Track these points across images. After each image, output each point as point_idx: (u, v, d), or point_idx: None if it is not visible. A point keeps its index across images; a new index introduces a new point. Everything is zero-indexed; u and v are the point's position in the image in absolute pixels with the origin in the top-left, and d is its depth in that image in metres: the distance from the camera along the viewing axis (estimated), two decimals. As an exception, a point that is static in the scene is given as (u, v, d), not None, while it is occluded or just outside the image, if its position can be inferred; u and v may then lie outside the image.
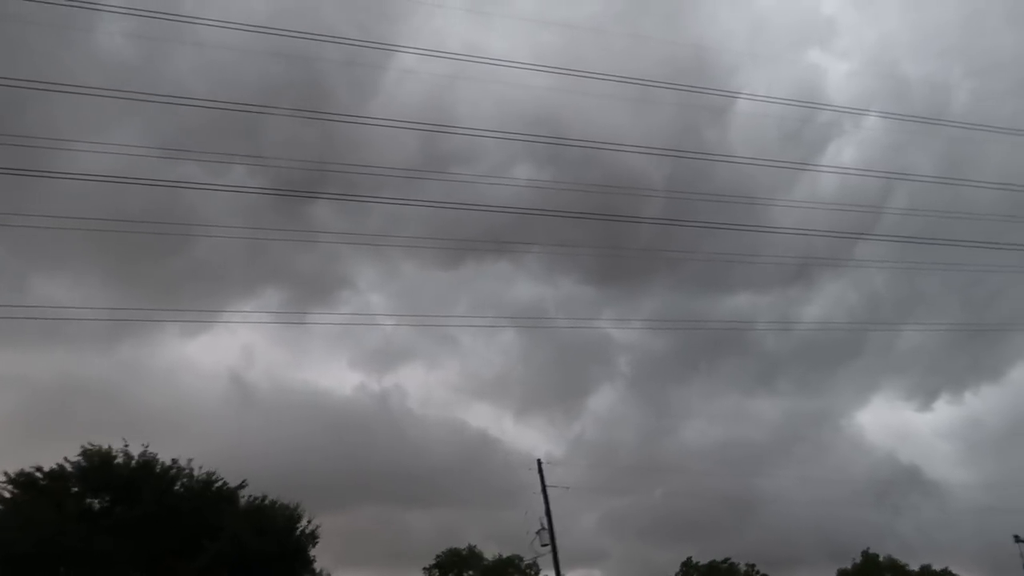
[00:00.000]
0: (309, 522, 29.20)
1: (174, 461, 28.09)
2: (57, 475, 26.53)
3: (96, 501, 26.77)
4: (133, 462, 27.42)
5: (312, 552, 29.42)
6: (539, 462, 32.64)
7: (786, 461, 61.09)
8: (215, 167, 27.92)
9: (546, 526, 31.47)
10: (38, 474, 26.30)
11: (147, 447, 27.73)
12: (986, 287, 53.91)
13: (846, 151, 56.19)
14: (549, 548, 31.32)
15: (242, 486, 29.25)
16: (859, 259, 45.60)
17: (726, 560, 48.60)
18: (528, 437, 67.58)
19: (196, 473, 28.41)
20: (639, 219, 33.47)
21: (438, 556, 44.90)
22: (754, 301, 60.16)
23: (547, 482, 32.22)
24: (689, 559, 48.95)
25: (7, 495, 25.82)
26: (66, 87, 23.58)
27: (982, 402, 68.38)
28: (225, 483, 28.84)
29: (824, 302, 61.39)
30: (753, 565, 48.62)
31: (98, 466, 26.82)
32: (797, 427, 67.28)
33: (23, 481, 26.08)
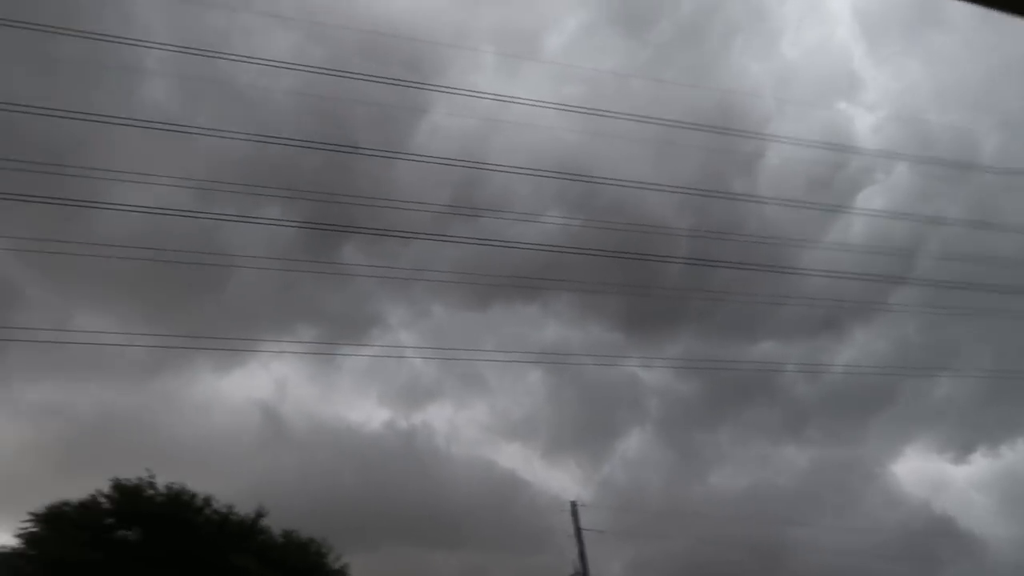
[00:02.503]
0: (339, 558, 28.72)
1: (194, 496, 27.86)
2: (89, 506, 26.42)
3: (128, 533, 26.53)
4: (162, 496, 27.24)
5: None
6: (573, 504, 31.95)
7: (815, 510, 59.25)
8: (250, 205, 28.51)
9: (580, 570, 30.61)
10: (66, 508, 26.17)
11: (179, 484, 27.64)
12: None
13: (876, 199, 55.69)
14: (583, 593, 30.41)
15: (260, 515, 28.75)
16: (892, 305, 44.81)
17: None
18: (556, 479, 66.36)
19: (217, 507, 28.14)
20: (668, 259, 33.49)
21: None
22: (782, 350, 59.34)
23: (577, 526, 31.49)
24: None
25: (37, 531, 25.63)
26: (106, 118, 24.14)
27: (1018, 455, 66.15)
28: (244, 518, 28.47)
29: (854, 352, 60.28)
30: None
31: (129, 498, 26.65)
32: (827, 475, 65.50)
33: (52, 515, 25.95)
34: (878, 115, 66.11)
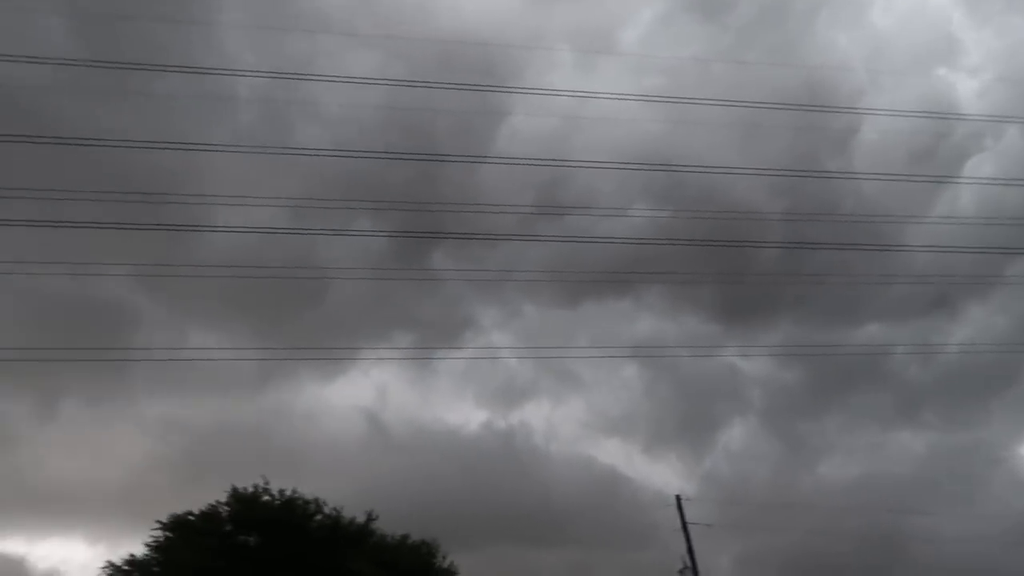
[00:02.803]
0: (445, 557, 29.23)
1: (315, 500, 28.97)
2: (209, 515, 27.84)
3: (248, 539, 27.78)
4: (277, 501, 28.42)
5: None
6: (678, 498, 31.42)
7: (935, 497, 55.99)
8: (343, 219, 29.45)
9: (689, 564, 30.11)
10: (190, 517, 27.71)
11: (291, 490, 28.83)
12: None
13: (985, 167, 52.29)
14: (693, 589, 29.88)
15: (372, 519, 29.54)
16: (1009, 277, 42.02)
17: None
18: (658, 473, 65.42)
19: (327, 511, 29.10)
20: (761, 243, 32.49)
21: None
22: (890, 332, 56.45)
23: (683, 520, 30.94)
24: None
25: (165, 537, 27.22)
26: (205, 147, 25.43)
27: None
28: (354, 519, 29.32)
29: (970, 330, 56.69)
30: (915, 609, 44.57)
31: (246, 505, 27.93)
32: (946, 461, 61.80)
33: (177, 524, 27.51)
34: (982, 79, 62.31)
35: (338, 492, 29.85)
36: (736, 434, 66.59)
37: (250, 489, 28.33)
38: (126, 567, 26.82)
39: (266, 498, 28.37)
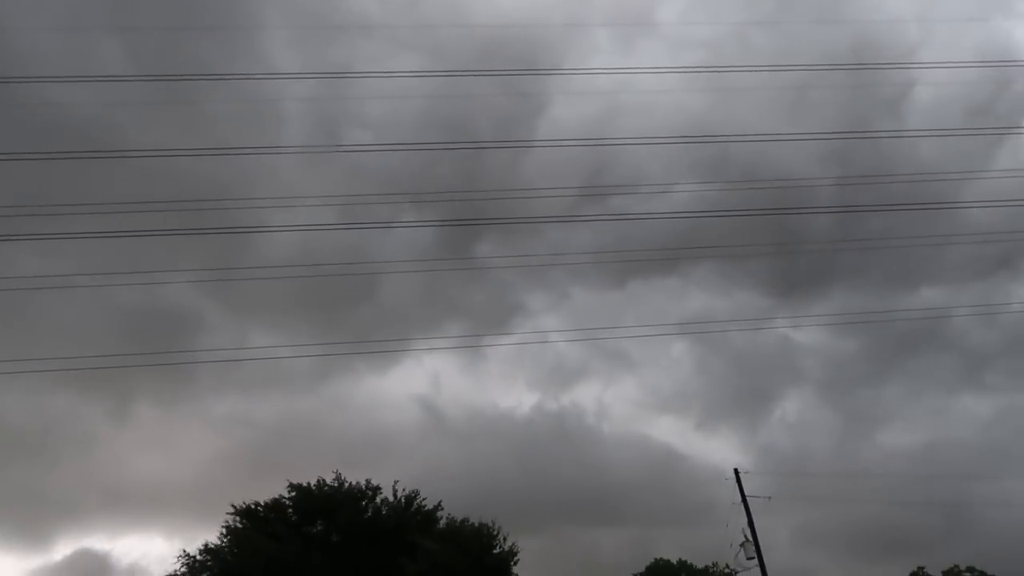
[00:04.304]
0: (505, 539, 29.84)
1: (367, 483, 30.05)
2: (275, 505, 29.00)
3: (311, 528, 28.78)
4: (338, 489, 29.45)
5: (514, 569, 29.91)
6: (736, 471, 31.26)
7: (1006, 461, 54.41)
8: (392, 213, 30.11)
9: (750, 538, 30.02)
10: (257, 507, 28.90)
11: (349, 481, 29.87)
12: None
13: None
14: (755, 561, 29.83)
15: (439, 508, 30.49)
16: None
17: (970, 569, 43.86)
18: (713, 449, 65.23)
19: (399, 494, 30.10)
20: (806, 210, 31.71)
21: (648, 566, 44.13)
22: (950, 295, 54.82)
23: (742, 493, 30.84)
24: (920, 569, 44.78)
25: (238, 525, 28.41)
26: (254, 151, 26.22)
27: None
28: (424, 503, 30.28)
29: (1033, 289, 54.66)
30: (994, 576, 43.58)
31: (309, 494, 28.99)
32: (1015, 423, 59.91)
33: (247, 512, 28.74)
34: (1040, 24, 59.52)
35: (400, 479, 30.78)
36: (791, 406, 65.89)
37: (312, 483, 29.44)
38: (201, 556, 27.74)
39: (326, 487, 29.39)
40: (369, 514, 29.16)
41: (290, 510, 29.01)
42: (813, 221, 34.41)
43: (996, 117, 47.90)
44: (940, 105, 45.50)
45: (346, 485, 29.70)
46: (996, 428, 59.22)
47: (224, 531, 28.22)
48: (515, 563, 29.65)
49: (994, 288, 54.57)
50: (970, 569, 43.77)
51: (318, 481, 29.63)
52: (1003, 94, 46.88)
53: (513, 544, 29.67)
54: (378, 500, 29.72)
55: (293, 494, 29.14)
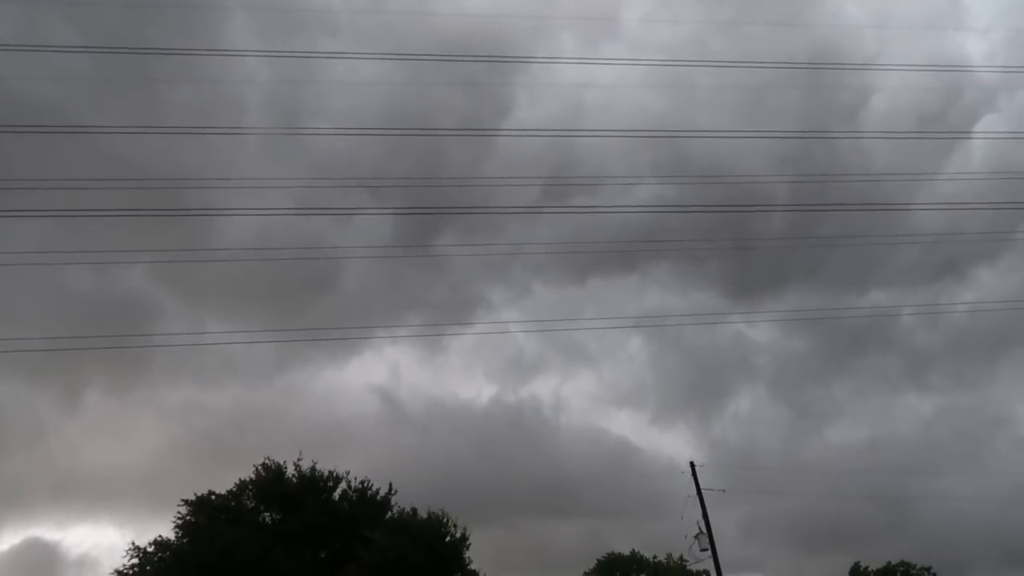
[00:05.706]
0: (455, 527, 29.78)
1: (330, 472, 29.84)
2: (235, 493, 28.58)
3: (269, 515, 28.51)
4: (297, 477, 29.17)
5: (467, 555, 29.93)
6: (692, 464, 31.67)
7: (944, 459, 56.44)
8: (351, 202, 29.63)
9: (704, 530, 30.49)
10: (212, 497, 28.39)
11: (315, 463, 29.66)
12: None
13: (999, 127, 51.80)
14: (708, 553, 30.31)
15: (391, 493, 30.40)
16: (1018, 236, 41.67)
17: (901, 564, 45.31)
18: (667, 443, 66.23)
19: (353, 483, 29.97)
20: (758, 207, 32.10)
21: (599, 560, 44.56)
22: (897, 296, 56.52)
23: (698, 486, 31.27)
24: (857, 564, 46.07)
25: (190, 519, 27.71)
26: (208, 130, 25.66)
27: None
28: (377, 491, 30.19)
29: (979, 292, 56.56)
30: (929, 568, 45.06)
31: (270, 481, 28.66)
32: (953, 421, 62.17)
33: (200, 502, 28.15)
34: (991, 39, 61.44)
35: (357, 469, 30.62)
36: (744, 402, 67.28)
37: (279, 463, 29.19)
38: (151, 549, 27.03)
39: (290, 473, 29.10)
40: (332, 502, 29.05)
41: (250, 498, 28.64)
42: (768, 221, 35.05)
43: (950, 124, 49.43)
44: (895, 114, 46.66)
45: (316, 472, 29.48)
46: (937, 426, 61.30)
47: (177, 521, 27.68)
48: (467, 547, 29.70)
49: (940, 291, 56.39)
50: (903, 564, 45.17)
51: (282, 464, 29.42)
52: (955, 103, 48.27)
53: (464, 529, 29.74)
54: (339, 490, 29.57)
55: (257, 477, 28.87)
